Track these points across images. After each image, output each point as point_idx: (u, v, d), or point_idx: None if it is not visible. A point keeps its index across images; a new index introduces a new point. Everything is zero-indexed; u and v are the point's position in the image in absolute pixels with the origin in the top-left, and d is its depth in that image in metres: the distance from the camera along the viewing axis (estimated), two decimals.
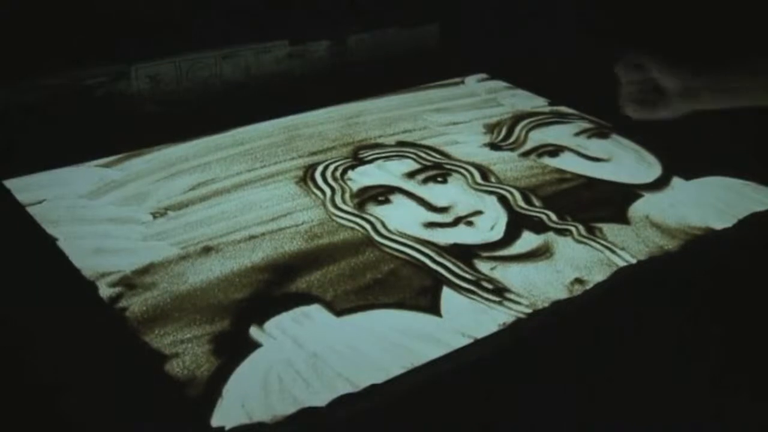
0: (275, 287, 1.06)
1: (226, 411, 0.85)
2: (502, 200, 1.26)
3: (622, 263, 1.11)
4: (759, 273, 1.12)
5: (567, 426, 0.90)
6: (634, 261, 1.12)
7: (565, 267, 1.10)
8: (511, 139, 1.47)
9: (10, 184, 1.27)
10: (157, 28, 1.48)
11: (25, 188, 1.26)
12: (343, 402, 0.87)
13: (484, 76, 1.75)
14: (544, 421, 0.89)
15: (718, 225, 1.21)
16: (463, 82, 1.73)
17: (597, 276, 1.09)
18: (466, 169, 1.35)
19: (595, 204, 1.26)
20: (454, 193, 1.28)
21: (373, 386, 0.89)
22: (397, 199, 1.26)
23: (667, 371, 0.98)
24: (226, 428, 0.83)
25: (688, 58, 1.07)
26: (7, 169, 1.29)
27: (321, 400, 0.87)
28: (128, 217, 1.20)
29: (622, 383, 0.95)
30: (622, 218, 1.22)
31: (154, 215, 1.21)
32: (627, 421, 0.92)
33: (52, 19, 1.44)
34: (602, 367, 0.96)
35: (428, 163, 1.37)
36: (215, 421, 0.84)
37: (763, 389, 0.97)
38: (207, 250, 1.12)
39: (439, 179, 1.32)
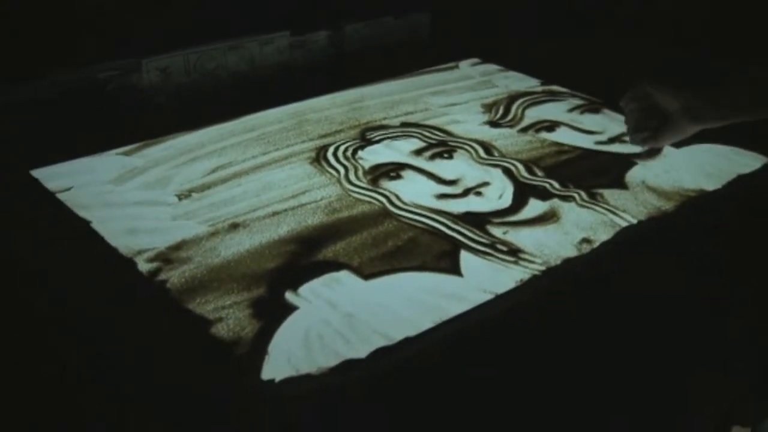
0: (303, 257, 1.12)
1: (274, 366, 0.92)
2: (507, 172, 1.34)
3: (624, 224, 1.19)
4: (747, 228, 1.21)
5: (584, 372, 0.97)
6: (635, 221, 1.20)
7: (572, 229, 1.18)
8: (509, 117, 1.55)
9: (38, 173, 1.32)
10: (165, 22, 1.54)
11: (52, 177, 1.31)
12: (380, 354, 0.94)
13: (477, 60, 1.83)
14: (562, 369, 0.97)
15: (709, 187, 1.30)
16: (457, 67, 1.80)
17: (602, 235, 1.17)
18: (470, 146, 1.42)
19: (594, 172, 1.34)
20: (461, 167, 1.35)
21: (407, 339, 0.96)
22: (407, 174, 1.33)
23: (671, 316, 1.06)
24: (276, 380, 0.90)
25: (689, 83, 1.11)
26: (30, 160, 1.34)
27: (360, 353, 0.94)
28: (155, 200, 1.26)
29: (629, 328, 1.03)
30: (621, 184, 1.31)
31: (179, 197, 1.27)
32: (632, 366, 0.99)
33: (63, 17, 1.48)
34: (613, 315, 1.04)
35: (433, 141, 1.44)
36: (265, 375, 0.90)
37: (761, 330, 1.05)
38: (234, 227, 1.19)
39: (446, 155, 1.39)
